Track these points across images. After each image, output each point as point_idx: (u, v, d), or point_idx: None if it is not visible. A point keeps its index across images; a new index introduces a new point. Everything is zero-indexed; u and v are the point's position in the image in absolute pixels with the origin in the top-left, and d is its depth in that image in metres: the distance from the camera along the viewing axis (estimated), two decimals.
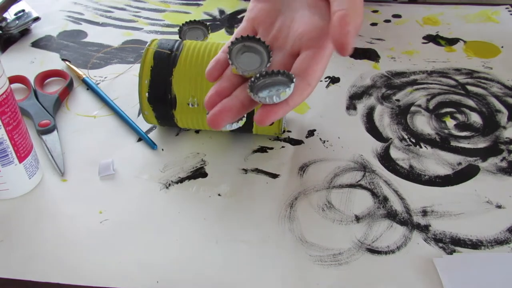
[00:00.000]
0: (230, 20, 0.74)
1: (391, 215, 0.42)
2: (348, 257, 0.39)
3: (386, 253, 0.39)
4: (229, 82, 0.36)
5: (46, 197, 0.44)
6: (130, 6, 0.79)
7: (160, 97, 0.47)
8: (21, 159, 0.43)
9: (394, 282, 0.37)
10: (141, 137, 0.51)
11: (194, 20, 0.54)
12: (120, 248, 0.40)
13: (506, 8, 0.75)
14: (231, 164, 0.48)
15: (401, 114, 0.54)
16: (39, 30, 0.71)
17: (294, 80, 0.33)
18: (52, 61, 0.64)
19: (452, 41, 0.68)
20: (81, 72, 0.60)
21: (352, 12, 0.32)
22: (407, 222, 0.42)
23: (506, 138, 0.51)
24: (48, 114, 0.53)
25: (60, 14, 0.76)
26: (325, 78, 0.60)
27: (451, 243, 0.40)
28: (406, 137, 0.51)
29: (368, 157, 0.48)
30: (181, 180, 0.46)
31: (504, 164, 0.47)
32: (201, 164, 0.48)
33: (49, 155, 0.48)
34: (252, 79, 0.35)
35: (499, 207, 0.43)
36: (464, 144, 0.50)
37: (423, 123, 0.53)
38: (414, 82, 0.59)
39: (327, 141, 0.50)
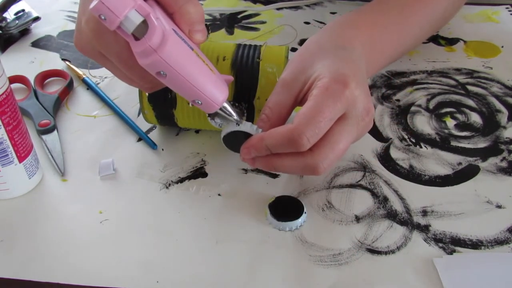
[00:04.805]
0: (230, 20, 0.73)
1: (391, 215, 0.42)
2: (348, 257, 0.39)
3: (386, 253, 0.39)
4: None
5: (46, 197, 0.44)
6: None
7: (160, 96, 0.47)
8: (21, 159, 0.43)
9: (394, 282, 0.37)
10: (141, 137, 0.51)
11: None
12: (120, 248, 0.40)
13: (506, 8, 0.75)
14: (231, 164, 0.47)
15: (401, 114, 0.54)
16: (39, 30, 0.71)
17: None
18: (52, 61, 0.64)
19: (452, 41, 0.68)
20: (81, 72, 0.60)
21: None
22: (407, 222, 0.42)
23: (506, 138, 0.51)
24: (48, 114, 0.53)
25: (60, 14, 0.76)
26: None
27: (451, 243, 0.40)
28: (406, 137, 0.51)
29: (368, 157, 0.48)
30: (181, 180, 0.46)
31: (504, 164, 0.47)
32: (201, 164, 0.48)
33: (49, 155, 0.48)
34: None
35: (499, 207, 0.43)
36: (464, 144, 0.50)
37: (423, 123, 0.53)
38: (414, 82, 0.59)
39: None
